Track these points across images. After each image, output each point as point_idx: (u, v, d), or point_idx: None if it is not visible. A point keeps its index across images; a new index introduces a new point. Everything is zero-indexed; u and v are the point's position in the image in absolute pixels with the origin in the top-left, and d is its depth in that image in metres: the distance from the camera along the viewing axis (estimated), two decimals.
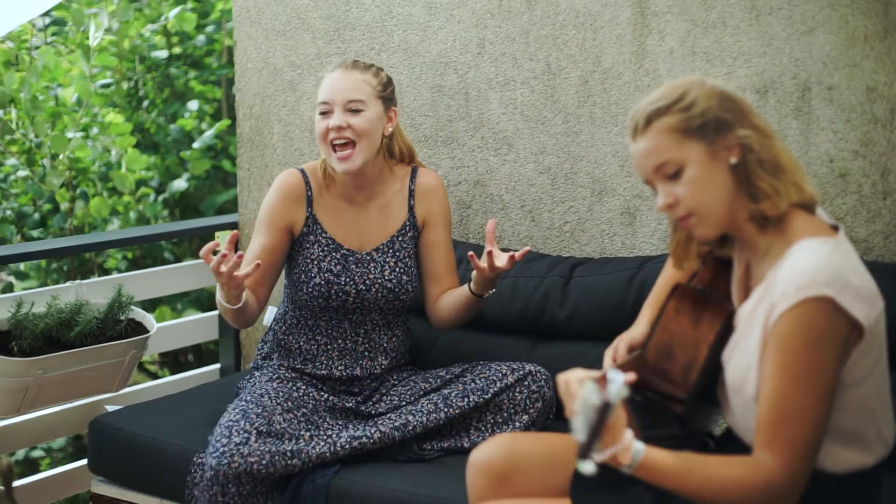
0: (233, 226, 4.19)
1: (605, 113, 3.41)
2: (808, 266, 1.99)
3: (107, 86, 6.03)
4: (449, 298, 3.14)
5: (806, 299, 1.96)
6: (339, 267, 3.09)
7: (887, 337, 2.12)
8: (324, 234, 3.12)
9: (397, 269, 3.12)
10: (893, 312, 2.22)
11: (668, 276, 2.54)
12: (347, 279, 3.08)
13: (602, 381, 1.89)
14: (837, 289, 1.96)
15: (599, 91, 3.41)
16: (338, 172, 3.06)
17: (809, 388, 1.96)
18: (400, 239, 3.16)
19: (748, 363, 2.09)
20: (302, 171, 3.17)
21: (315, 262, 3.09)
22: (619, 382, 1.78)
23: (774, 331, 2.00)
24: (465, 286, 3.05)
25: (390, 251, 3.14)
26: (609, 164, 3.42)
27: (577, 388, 2.02)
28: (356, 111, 3.01)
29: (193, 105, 6.16)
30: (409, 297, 3.15)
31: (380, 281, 3.10)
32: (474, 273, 2.95)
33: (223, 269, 2.73)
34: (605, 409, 1.78)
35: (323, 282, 3.07)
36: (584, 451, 1.80)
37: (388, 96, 3.09)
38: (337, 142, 3.00)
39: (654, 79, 3.30)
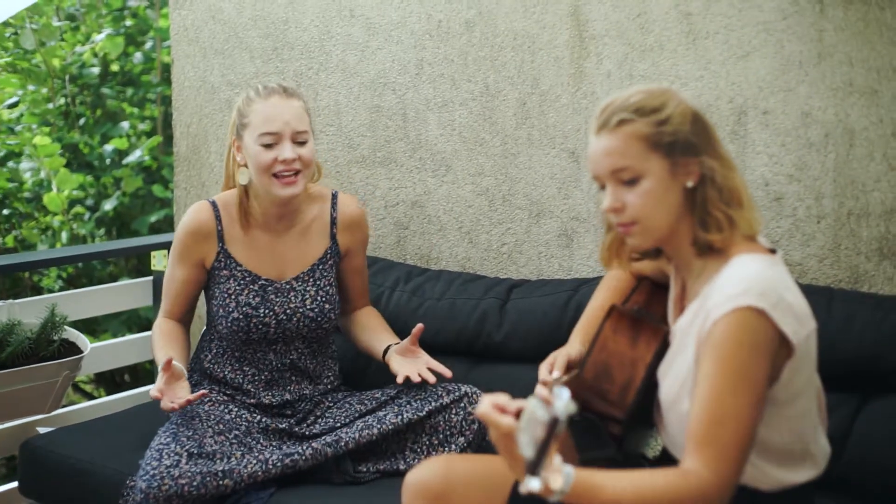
0: (168, 245, 4.15)
1: (543, 135, 3.42)
2: (742, 277, 2.01)
3: (14, 105, 5.97)
4: (365, 335, 3.21)
5: (739, 307, 1.97)
6: (257, 299, 3.06)
7: (820, 358, 2.14)
8: (238, 268, 3.08)
9: (318, 298, 3.10)
10: (827, 335, 2.23)
11: (600, 301, 2.54)
12: (267, 310, 3.05)
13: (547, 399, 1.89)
14: (770, 303, 1.97)
15: (537, 113, 3.42)
16: (278, 197, 3.01)
17: (742, 392, 1.96)
18: (321, 267, 3.14)
19: (683, 378, 2.09)
20: (213, 203, 3.13)
21: (232, 297, 3.06)
22: (565, 398, 1.77)
23: (708, 338, 2.00)
24: (383, 346, 3.11)
25: (311, 279, 3.11)
26: (547, 186, 3.43)
27: (493, 413, 1.94)
28: (302, 142, 2.99)
29: (125, 126, 6.11)
30: (331, 325, 3.14)
31: (301, 310, 3.08)
32: (397, 350, 3.05)
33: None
34: (553, 425, 1.78)
35: (241, 316, 3.04)
36: (532, 468, 1.79)
37: (311, 119, 3.09)
38: (285, 173, 2.97)
39: (592, 101, 3.31)
